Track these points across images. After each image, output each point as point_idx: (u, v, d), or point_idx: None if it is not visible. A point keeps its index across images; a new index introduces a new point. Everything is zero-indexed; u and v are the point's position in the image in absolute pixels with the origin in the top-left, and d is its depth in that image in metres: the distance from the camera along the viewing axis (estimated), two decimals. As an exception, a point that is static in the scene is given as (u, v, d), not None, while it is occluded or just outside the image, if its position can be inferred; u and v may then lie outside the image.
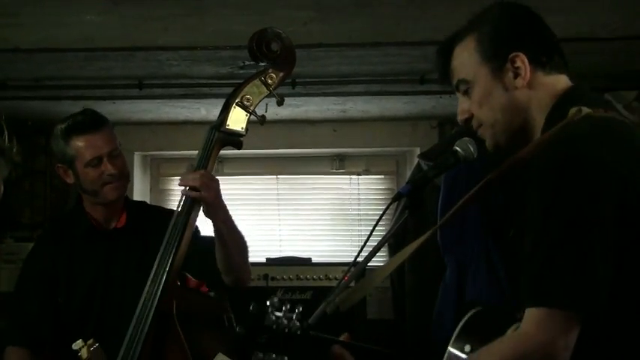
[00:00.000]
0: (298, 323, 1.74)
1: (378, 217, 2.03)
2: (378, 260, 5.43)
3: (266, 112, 2.68)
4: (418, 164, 4.97)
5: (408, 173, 5.69)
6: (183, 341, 2.56)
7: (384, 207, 2.07)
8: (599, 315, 1.65)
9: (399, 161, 6.18)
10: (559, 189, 1.67)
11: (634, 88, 4.57)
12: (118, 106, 5.06)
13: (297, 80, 4.45)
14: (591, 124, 1.77)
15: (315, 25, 3.62)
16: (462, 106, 2.02)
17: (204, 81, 4.55)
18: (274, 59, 2.67)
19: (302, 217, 6.15)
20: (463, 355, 1.93)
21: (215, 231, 2.72)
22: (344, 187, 6.20)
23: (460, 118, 2.03)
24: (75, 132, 2.86)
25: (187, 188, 2.61)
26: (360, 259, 1.99)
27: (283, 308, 1.75)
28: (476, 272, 4.17)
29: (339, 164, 6.18)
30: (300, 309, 1.76)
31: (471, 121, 2.01)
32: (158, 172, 6.28)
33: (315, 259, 5.36)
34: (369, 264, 2.05)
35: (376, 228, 2.02)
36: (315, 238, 6.09)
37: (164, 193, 6.23)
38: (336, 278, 5.00)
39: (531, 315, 1.66)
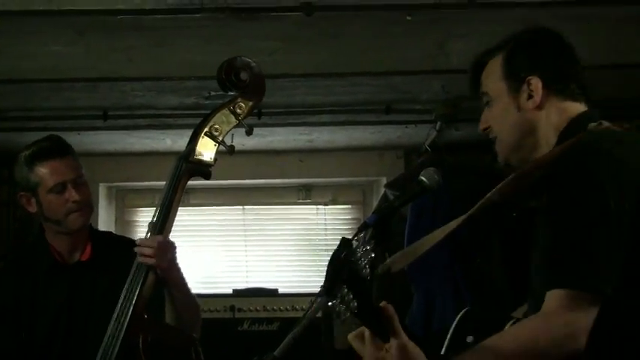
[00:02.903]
0: (368, 270, 1.70)
1: (344, 248, 2.02)
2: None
3: (232, 142, 2.67)
4: (385, 194, 4.98)
5: (375, 203, 5.70)
6: (150, 374, 2.53)
7: (350, 237, 2.06)
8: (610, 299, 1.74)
9: (365, 191, 6.19)
10: (583, 183, 1.79)
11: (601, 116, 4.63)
12: (82, 137, 5.02)
13: (263, 110, 4.44)
14: (613, 133, 1.94)
15: (281, 56, 3.63)
16: (483, 116, 2.13)
17: (170, 111, 4.54)
18: (243, 88, 2.65)
19: (269, 248, 6.12)
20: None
21: (166, 291, 2.71)
22: (311, 217, 6.19)
23: (480, 127, 2.14)
24: (39, 158, 2.82)
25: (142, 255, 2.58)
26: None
27: (359, 250, 1.71)
28: (443, 298, 4.18)
29: (306, 194, 6.17)
30: (372, 256, 1.72)
31: (488, 130, 2.13)
32: (123, 204, 6.22)
33: (282, 290, 5.33)
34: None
35: (343, 258, 2.01)
36: (282, 269, 6.05)
37: (129, 224, 6.17)
38: (303, 309, 4.97)
39: (555, 296, 1.75)
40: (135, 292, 2.56)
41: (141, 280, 2.58)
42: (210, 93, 4.08)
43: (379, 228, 1.99)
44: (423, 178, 2.05)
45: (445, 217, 4.52)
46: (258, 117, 4.46)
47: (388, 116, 4.66)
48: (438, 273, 4.20)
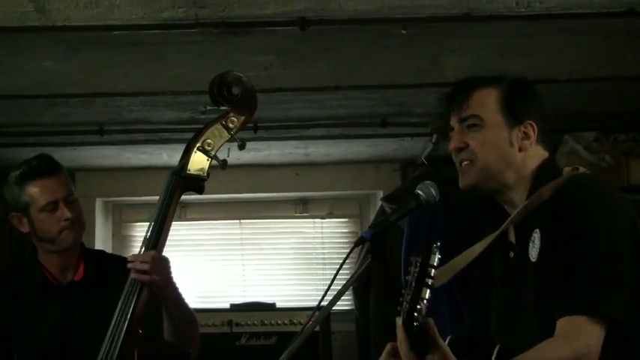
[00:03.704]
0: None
1: (341, 261, 2.02)
2: (343, 304, 5.43)
3: (228, 156, 2.66)
4: (382, 207, 4.98)
5: (372, 216, 5.69)
6: (146, 391, 2.52)
7: (348, 250, 2.06)
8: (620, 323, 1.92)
9: (362, 204, 6.18)
10: (589, 217, 1.99)
11: (593, 129, 4.63)
12: (78, 152, 5.02)
13: (258, 124, 4.45)
14: (593, 176, 2.20)
15: (276, 70, 3.63)
16: (460, 136, 2.20)
17: (165, 126, 4.54)
18: (235, 103, 2.65)
19: (266, 262, 6.11)
20: None
21: (163, 307, 2.69)
22: (308, 230, 6.18)
23: (454, 145, 2.20)
24: (29, 177, 2.80)
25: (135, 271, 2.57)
26: (324, 303, 1.98)
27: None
28: (440, 314, 4.17)
29: (303, 208, 6.16)
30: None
31: (462, 151, 2.18)
32: (120, 218, 6.21)
33: (279, 304, 5.32)
34: (333, 308, 2.04)
35: (340, 272, 2.01)
36: (279, 283, 6.05)
37: (126, 239, 6.16)
38: (300, 323, 4.96)
39: (571, 322, 1.90)
40: (129, 307, 2.55)
41: (135, 296, 2.56)
42: (206, 107, 4.08)
43: (376, 242, 1.99)
44: (420, 192, 2.05)
45: (441, 230, 4.53)
46: (254, 131, 4.47)
47: (384, 129, 4.66)
48: (436, 292, 4.19)
